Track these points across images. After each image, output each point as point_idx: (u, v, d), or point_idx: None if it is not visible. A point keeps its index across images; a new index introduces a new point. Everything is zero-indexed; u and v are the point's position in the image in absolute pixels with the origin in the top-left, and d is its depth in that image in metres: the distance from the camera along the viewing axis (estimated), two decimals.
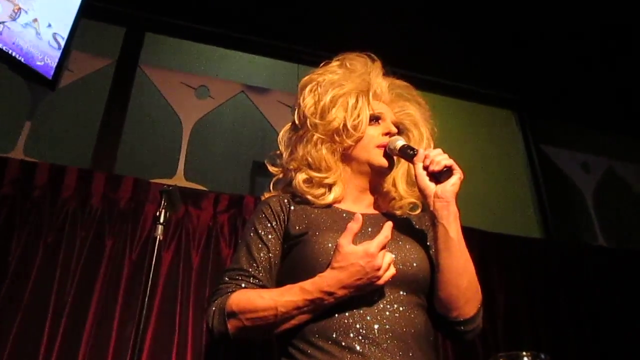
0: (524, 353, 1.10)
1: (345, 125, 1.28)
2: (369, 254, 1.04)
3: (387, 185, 1.37)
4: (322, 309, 1.07)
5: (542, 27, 2.92)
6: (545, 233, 3.01)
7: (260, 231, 1.22)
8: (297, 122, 1.37)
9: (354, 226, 1.08)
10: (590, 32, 2.93)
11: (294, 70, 3.03)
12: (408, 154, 1.23)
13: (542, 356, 1.09)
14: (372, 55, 1.41)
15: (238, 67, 3.03)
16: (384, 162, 1.28)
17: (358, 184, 1.32)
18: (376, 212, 1.32)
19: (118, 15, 2.84)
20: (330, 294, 1.05)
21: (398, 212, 1.34)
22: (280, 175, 1.40)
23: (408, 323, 1.09)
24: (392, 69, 1.44)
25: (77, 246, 2.03)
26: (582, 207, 3.22)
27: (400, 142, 1.27)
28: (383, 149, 1.28)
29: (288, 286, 1.10)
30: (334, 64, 1.40)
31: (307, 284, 1.07)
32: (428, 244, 1.27)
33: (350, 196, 1.31)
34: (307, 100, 1.33)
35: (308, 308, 1.06)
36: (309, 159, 1.28)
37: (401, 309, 1.10)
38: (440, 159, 1.16)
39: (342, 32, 2.82)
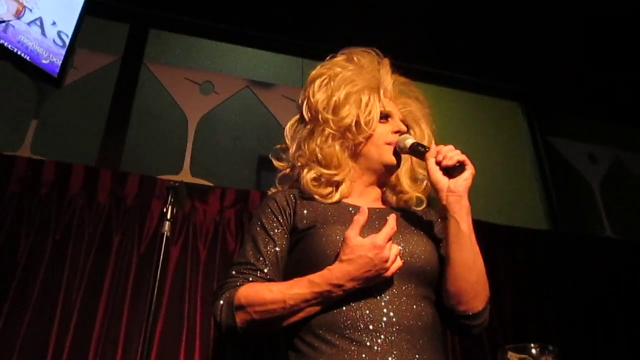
0: (532, 345, 1.09)
1: (357, 122, 1.28)
2: (376, 245, 1.04)
3: (392, 181, 1.37)
4: (330, 302, 1.07)
5: (548, 18, 2.90)
6: (552, 225, 2.99)
7: (266, 225, 1.22)
8: (305, 116, 1.35)
9: (360, 218, 1.09)
10: (597, 23, 2.91)
11: (298, 65, 3.02)
12: (419, 150, 1.24)
13: (550, 348, 1.09)
14: (378, 51, 1.40)
15: (242, 62, 3.03)
16: (393, 160, 1.29)
17: (365, 180, 1.32)
18: (383, 206, 1.33)
19: (121, 12, 2.85)
20: (338, 286, 1.05)
21: (404, 207, 1.35)
22: (287, 171, 1.39)
23: (416, 315, 1.09)
24: (397, 61, 1.43)
25: (85, 242, 2.04)
26: (589, 198, 3.20)
27: (410, 140, 1.28)
28: (393, 146, 1.29)
29: (296, 279, 1.10)
30: (340, 58, 1.39)
31: (316, 276, 1.07)
32: (437, 237, 1.27)
33: (356, 191, 1.31)
34: (319, 95, 1.32)
35: (316, 301, 1.07)
36: (319, 154, 1.28)
37: (409, 301, 1.10)
38: (453, 154, 1.17)
39: (347, 25, 2.82)
